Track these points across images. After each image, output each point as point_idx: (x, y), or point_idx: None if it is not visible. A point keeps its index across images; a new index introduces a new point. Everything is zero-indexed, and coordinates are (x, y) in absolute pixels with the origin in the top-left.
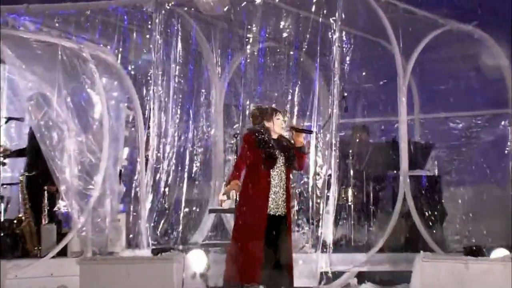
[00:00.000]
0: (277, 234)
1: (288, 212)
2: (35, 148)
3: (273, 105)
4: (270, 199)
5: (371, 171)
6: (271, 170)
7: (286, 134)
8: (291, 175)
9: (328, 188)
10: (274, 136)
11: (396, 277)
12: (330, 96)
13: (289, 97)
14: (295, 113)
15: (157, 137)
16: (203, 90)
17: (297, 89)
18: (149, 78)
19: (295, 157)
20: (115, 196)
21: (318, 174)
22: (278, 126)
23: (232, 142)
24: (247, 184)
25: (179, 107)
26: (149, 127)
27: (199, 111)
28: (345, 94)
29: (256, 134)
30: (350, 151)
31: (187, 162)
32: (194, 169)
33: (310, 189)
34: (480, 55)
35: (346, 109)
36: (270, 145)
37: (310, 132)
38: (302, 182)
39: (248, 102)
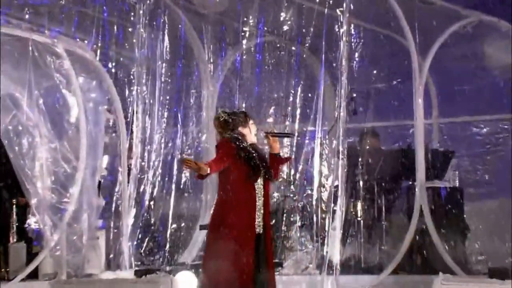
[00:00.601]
0: (257, 256)
1: (268, 227)
2: (2, 156)
3: (272, 108)
4: (256, 215)
5: (383, 182)
6: (254, 182)
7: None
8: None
9: (335, 201)
10: (249, 143)
11: None
12: (337, 98)
13: (291, 99)
14: (297, 116)
15: (141, 144)
16: (193, 91)
17: (299, 89)
18: (132, 77)
19: (270, 167)
20: (93, 211)
21: (323, 186)
22: (253, 133)
23: None
24: (227, 199)
25: (166, 109)
26: (132, 133)
27: (189, 114)
28: (354, 95)
29: (237, 143)
30: (360, 159)
31: (175, 172)
32: (183, 179)
33: (314, 202)
34: (508, 51)
35: (354, 112)
36: (255, 155)
37: (289, 135)
38: (305, 194)
39: (244, 104)
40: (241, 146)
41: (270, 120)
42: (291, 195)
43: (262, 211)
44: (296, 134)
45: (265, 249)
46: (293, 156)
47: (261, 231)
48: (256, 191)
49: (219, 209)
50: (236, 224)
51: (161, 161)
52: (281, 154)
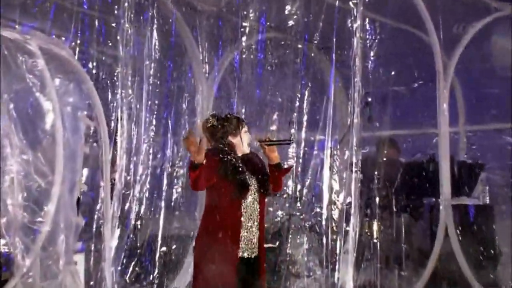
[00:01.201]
0: (248, 283)
1: (262, 252)
2: None
3: (276, 114)
4: (242, 237)
5: (402, 198)
6: (242, 200)
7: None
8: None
9: (347, 221)
10: (240, 154)
11: None
12: (350, 102)
13: (297, 104)
14: (304, 124)
15: (127, 155)
16: (186, 95)
17: (306, 93)
18: (115, 79)
19: (269, 179)
20: (71, 232)
21: (334, 203)
22: (246, 142)
23: None
24: (210, 219)
25: (154, 116)
26: (115, 142)
27: (181, 121)
28: (369, 99)
29: (221, 156)
30: (376, 172)
31: (165, 187)
32: (174, 195)
33: (323, 222)
34: None
35: (370, 119)
36: (240, 169)
37: (287, 142)
38: (313, 213)
39: (244, 110)
40: (226, 159)
41: (273, 127)
42: (298, 214)
43: (255, 233)
44: (303, 144)
45: (258, 277)
46: (299, 169)
47: (255, 255)
48: (247, 209)
49: (201, 230)
50: (217, 247)
51: (149, 175)
52: (283, 164)
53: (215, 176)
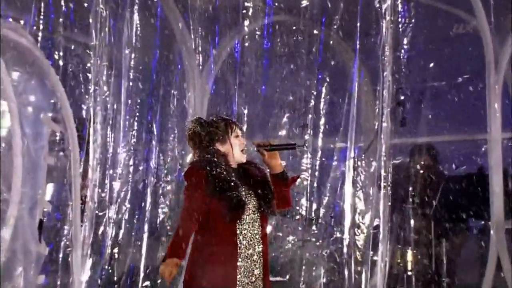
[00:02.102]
0: None
1: (267, 284)
2: None
3: (286, 116)
4: (240, 268)
5: (443, 220)
6: (237, 222)
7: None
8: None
9: (375, 249)
10: (234, 164)
11: None
12: (377, 102)
13: (312, 103)
14: (321, 128)
15: (101, 167)
16: (174, 92)
17: (324, 89)
18: (87, 73)
19: (272, 194)
20: (31, 262)
21: (359, 226)
22: (238, 149)
23: None
24: (200, 248)
25: (135, 119)
26: (87, 152)
27: (168, 125)
28: (402, 97)
29: (208, 168)
30: (410, 188)
31: (148, 206)
32: (161, 217)
33: (345, 249)
34: None
35: (403, 122)
36: (233, 183)
37: (290, 147)
38: (332, 238)
39: (246, 111)
40: (214, 172)
41: (283, 132)
42: (313, 239)
43: (258, 262)
44: (320, 153)
45: None
46: (315, 185)
47: None
48: (243, 235)
49: (191, 261)
50: (211, 281)
51: (129, 191)
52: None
53: (204, 196)
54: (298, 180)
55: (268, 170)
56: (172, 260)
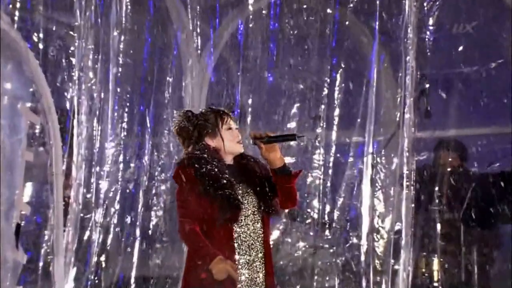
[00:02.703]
0: None
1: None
2: None
3: (295, 107)
4: (240, 277)
5: (473, 225)
6: (235, 224)
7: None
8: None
9: (396, 256)
10: (229, 160)
11: None
12: (399, 90)
13: (324, 92)
14: (336, 119)
15: (86, 164)
16: (169, 79)
17: (338, 76)
18: (71, 57)
19: (274, 191)
20: (7, 272)
21: (378, 231)
22: (232, 142)
23: None
24: (191, 256)
25: (125, 109)
26: (71, 147)
27: (163, 116)
28: (426, 85)
29: (197, 166)
30: (436, 188)
31: (140, 208)
32: (154, 221)
33: (362, 257)
34: None
35: (427, 113)
36: (225, 181)
37: (289, 138)
38: (348, 245)
39: (250, 100)
40: (204, 170)
41: (292, 125)
42: (326, 246)
43: (260, 270)
44: (334, 148)
45: None
46: (328, 184)
47: None
48: (241, 239)
49: (187, 270)
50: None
51: (119, 192)
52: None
53: (194, 196)
54: (310, 179)
55: (268, 165)
56: (219, 258)
